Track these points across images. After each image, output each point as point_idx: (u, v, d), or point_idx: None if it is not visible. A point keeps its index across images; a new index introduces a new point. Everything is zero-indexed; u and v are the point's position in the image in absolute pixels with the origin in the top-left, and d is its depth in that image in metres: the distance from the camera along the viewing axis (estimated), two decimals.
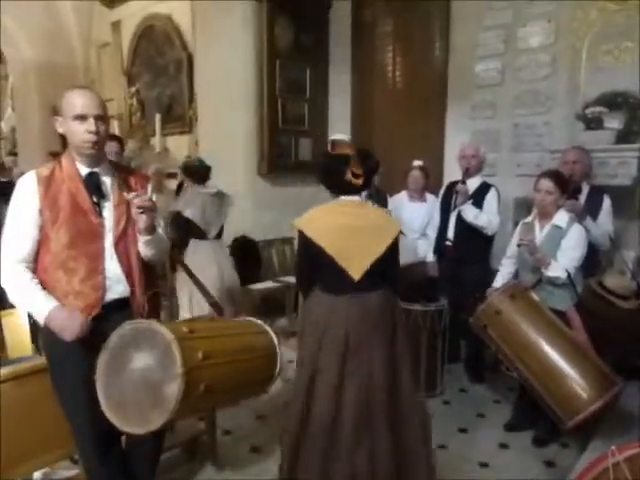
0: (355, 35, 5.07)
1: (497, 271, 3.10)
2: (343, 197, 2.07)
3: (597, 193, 3.22)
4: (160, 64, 6.96)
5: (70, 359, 1.74)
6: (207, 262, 3.43)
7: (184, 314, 3.45)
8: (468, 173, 3.53)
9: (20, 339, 2.35)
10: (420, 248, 4.03)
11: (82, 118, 1.70)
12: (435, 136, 4.60)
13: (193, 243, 3.51)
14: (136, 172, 2.06)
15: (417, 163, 4.06)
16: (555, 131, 3.96)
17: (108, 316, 1.75)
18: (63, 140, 1.83)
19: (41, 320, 1.71)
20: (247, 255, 4.54)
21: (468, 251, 3.52)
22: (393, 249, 2.04)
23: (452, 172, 4.08)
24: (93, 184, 1.78)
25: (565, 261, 2.62)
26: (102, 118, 1.73)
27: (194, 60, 5.88)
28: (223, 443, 2.77)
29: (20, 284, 1.71)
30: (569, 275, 2.60)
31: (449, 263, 3.64)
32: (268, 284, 4.59)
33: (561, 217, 2.71)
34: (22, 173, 1.85)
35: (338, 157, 2.07)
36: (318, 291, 2.05)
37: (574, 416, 2.32)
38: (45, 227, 1.72)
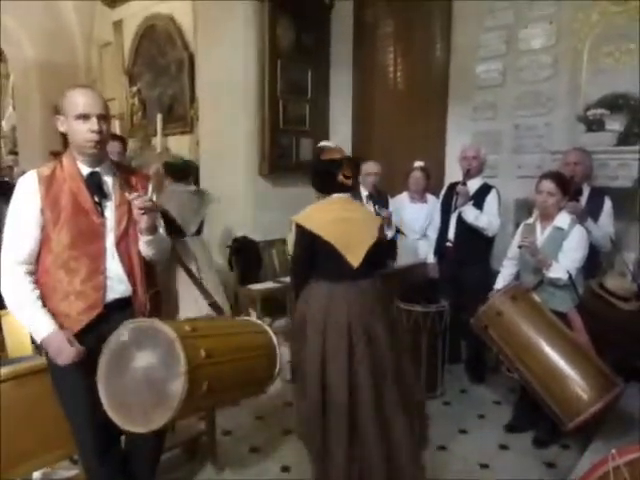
0: (356, 36, 5.08)
1: (498, 272, 3.10)
2: (334, 195, 2.28)
3: (598, 195, 3.22)
4: (161, 64, 6.96)
5: None
6: (185, 259, 3.46)
7: (184, 314, 3.45)
8: (469, 174, 3.53)
9: (20, 339, 2.35)
10: (421, 249, 4.03)
11: (85, 117, 1.69)
12: (436, 137, 4.60)
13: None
14: (137, 172, 2.05)
15: (418, 164, 4.06)
16: (556, 133, 3.96)
17: (109, 316, 1.75)
18: (64, 139, 1.83)
19: (37, 339, 1.71)
20: (247, 255, 4.54)
21: (468, 252, 3.52)
22: (378, 239, 2.28)
23: (453, 173, 4.08)
24: (94, 184, 1.77)
25: (566, 262, 2.62)
26: (104, 117, 1.73)
27: (195, 60, 5.88)
28: (223, 443, 2.77)
29: (20, 296, 1.70)
30: (570, 276, 2.60)
31: (449, 264, 3.64)
32: (268, 284, 4.59)
33: (562, 218, 2.71)
34: (23, 172, 1.85)
35: (329, 161, 2.29)
36: (316, 281, 2.21)
37: (575, 417, 2.32)
38: (46, 227, 1.72)
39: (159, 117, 6.80)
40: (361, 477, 2.11)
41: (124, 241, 1.80)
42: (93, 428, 1.79)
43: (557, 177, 2.72)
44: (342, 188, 2.28)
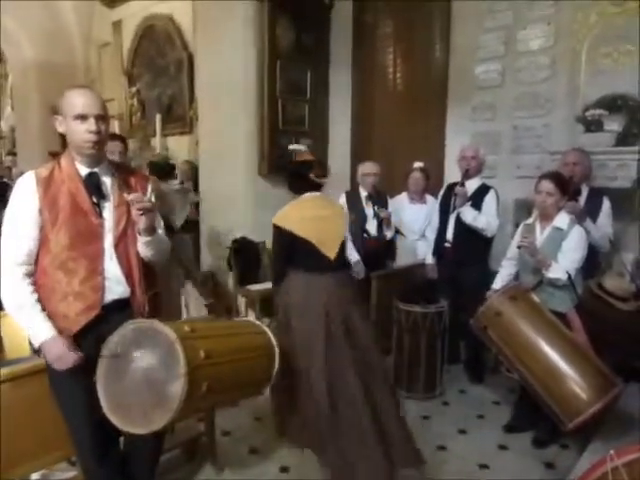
0: (356, 36, 5.08)
1: (496, 273, 3.10)
2: (307, 194, 2.51)
3: (597, 195, 3.23)
4: (161, 64, 6.96)
5: None
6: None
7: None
8: (467, 175, 3.53)
9: (18, 340, 2.34)
10: (420, 250, 4.03)
11: (83, 118, 1.69)
12: (435, 137, 4.60)
13: None
14: (136, 172, 2.05)
15: (417, 165, 4.06)
16: (555, 133, 3.96)
17: (108, 317, 1.74)
18: (63, 140, 1.82)
19: (36, 344, 1.71)
20: (247, 256, 4.53)
21: (467, 253, 3.52)
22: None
23: (452, 174, 4.08)
24: (93, 184, 1.77)
25: (566, 263, 2.62)
26: (103, 118, 1.72)
27: (195, 60, 5.88)
28: (222, 444, 2.76)
29: (19, 297, 1.70)
30: (569, 277, 2.60)
31: (448, 265, 3.64)
32: (268, 285, 4.58)
33: (562, 219, 2.71)
34: (21, 173, 1.84)
35: (302, 163, 2.60)
36: (295, 273, 2.43)
37: (574, 417, 2.32)
38: (44, 228, 1.71)
39: (158, 117, 6.79)
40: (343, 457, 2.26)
41: (122, 242, 1.80)
42: (91, 429, 1.78)
43: (556, 177, 2.73)
44: (314, 187, 2.52)
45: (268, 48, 4.59)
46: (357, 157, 4.91)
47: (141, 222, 1.75)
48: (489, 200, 3.51)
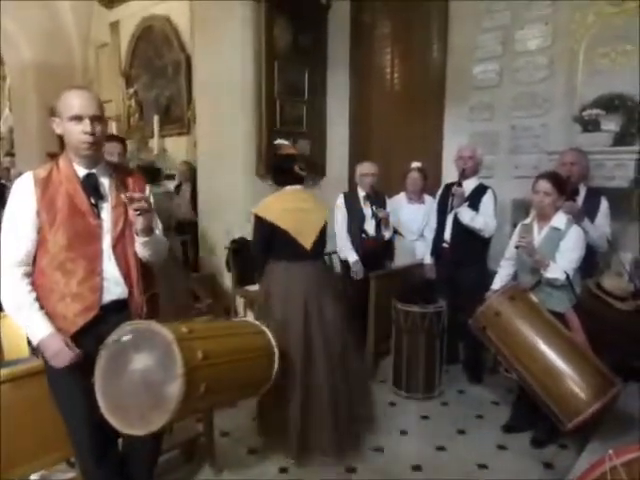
0: (353, 36, 5.08)
1: (494, 273, 3.10)
2: (288, 187, 2.66)
3: (594, 195, 3.23)
4: (158, 65, 6.96)
5: None
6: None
7: None
8: (464, 174, 3.53)
9: (16, 341, 2.34)
10: (418, 250, 4.03)
11: (78, 119, 1.68)
12: (433, 138, 4.60)
13: None
14: (134, 173, 2.05)
15: (415, 165, 4.07)
16: (552, 133, 3.97)
17: (106, 318, 1.74)
18: (61, 141, 1.82)
19: (34, 341, 1.71)
20: (245, 256, 4.53)
21: (465, 253, 3.52)
22: (324, 225, 2.70)
23: (450, 174, 4.09)
24: (91, 185, 1.77)
25: (564, 263, 2.62)
26: (99, 119, 1.72)
27: (192, 61, 5.88)
28: (221, 445, 2.76)
29: (18, 297, 1.70)
30: (568, 277, 2.60)
31: (446, 265, 3.64)
32: None
33: (559, 219, 2.71)
34: (20, 174, 1.84)
35: (286, 156, 2.71)
36: (275, 261, 2.61)
37: (573, 417, 2.32)
38: (42, 229, 1.71)
39: (156, 118, 6.80)
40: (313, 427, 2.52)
41: (120, 243, 1.80)
42: (90, 430, 1.78)
43: (553, 177, 2.73)
44: (297, 180, 2.68)
45: (265, 49, 4.59)
46: (355, 157, 4.91)
47: (138, 222, 1.75)
48: (486, 200, 3.52)
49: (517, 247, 2.74)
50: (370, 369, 3.22)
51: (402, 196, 4.14)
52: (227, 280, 4.65)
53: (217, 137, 4.84)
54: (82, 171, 1.78)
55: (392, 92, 4.94)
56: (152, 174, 3.76)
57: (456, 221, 3.54)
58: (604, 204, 3.20)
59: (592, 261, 3.17)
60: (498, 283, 2.98)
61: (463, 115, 4.43)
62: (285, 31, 4.80)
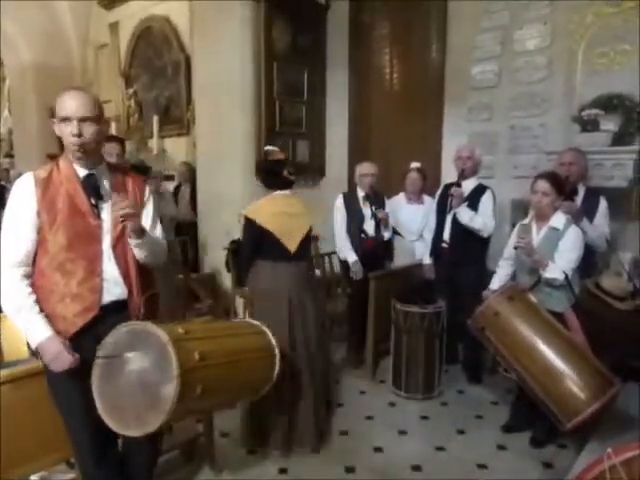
0: (352, 37, 5.09)
1: (493, 273, 3.10)
2: (278, 192, 2.81)
3: (593, 195, 3.23)
4: (158, 66, 6.96)
5: None
6: None
7: None
8: (463, 175, 3.54)
9: (16, 342, 2.34)
10: (417, 250, 4.04)
11: (67, 120, 1.68)
12: (432, 138, 4.61)
13: None
14: (134, 174, 2.05)
15: (415, 165, 4.07)
16: (551, 133, 3.97)
17: (106, 318, 1.74)
18: (61, 142, 1.82)
19: (33, 344, 1.71)
20: None
21: (464, 253, 3.52)
22: (309, 230, 2.85)
23: (449, 174, 4.09)
24: (91, 186, 1.77)
25: (562, 263, 2.63)
26: (91, 120, 1.69)
27: (192, 62, 5.88)
28: (221, 445, 2.76)
29: (18, 299, 1.70)
30: (566, 277, 2.60)
31: (445, 265, 3.64)
32: None
33: (558, 219, 2.71)
34: (19, 175, 1.84)
35: (275, 161, 2.85)
36: (262, 261, 2.76)
37: (572, 417, 2.32)
38: (42, 229, 1.71)
39: (155, 119, 6.79)
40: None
41: (120, 243, 1.80)
42: (89, 431, 1.78)
43: (552, 177, 2.73)
44: (286, 184, 2.82)
45: (265, 49, 4.59)
46: (354, 158, 4.92)
47: (127, 225, 1.74)
48: (485, 200, 3.52)
49: (516, 247, 2.74)
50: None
51: (401, 196, 4.15)
52: (227, 280, 4.65)
53: (216, 138, 4.84)
54: (82, 172, 1.78)
55: (391, 92, 4.94)
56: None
57: (455, 221, 3.54)
58: (603, 204, 3.20)
59: (591, 261, 3.18)
60: (497, 283, 2.98)
61: (462, 115, 4.44)
62: (284, 31, 4.80)
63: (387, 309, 3.48)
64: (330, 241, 4.16)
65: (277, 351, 2.07)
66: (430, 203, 3.96)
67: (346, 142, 5.26)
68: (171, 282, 3.95)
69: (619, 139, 3.52)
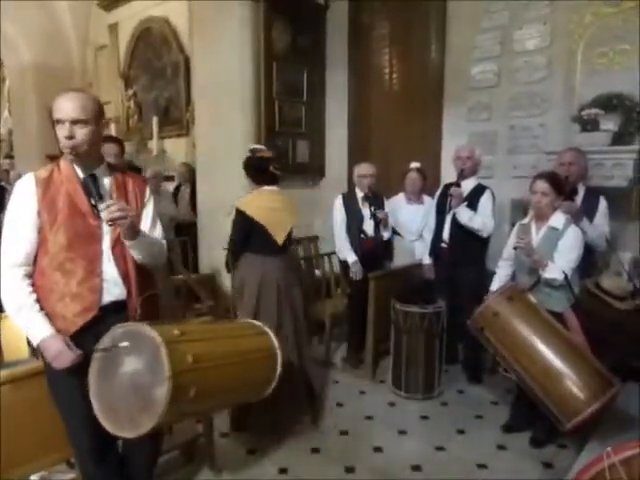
0: (352, 37, 5.08)
1: (493, 273, 3.10)
2: (266, 187, 2.97)
3: (593, 194, 3.23)
4: (157, 67, 6.97)
5: None
6: None
7: None
8: (463, 175, 3.54)
9: (16, 342, 2.34)
10: (417, 250, 4.04)
11: (60, 122, 1.68)
12: (432, 138, 4.60)
13: None
14: (134, 174, 2.04)
15: (414, 165, 4.07)
16: (551, 133, 3.97)
17: (105, 319, 1.74)
18: None
19: (34, 343, 1.71)
20: None
21: (463, 253, 3.52)
22: (293, 225, 3.05)
23: (449, 174, 4.09)
24: (91, 186, 1.77)
25: (562, 262, 2.63)
26: (83, 122, 1.68)
27: (191, 63, 5.88)
28: (220, 445, 2.76)
29: (19, 298, 1.70)
30: (566, 277, 2.60)
31: (445, 265, 3.65)
32: None
33: (557, 219, 2.71)
34: (19, 176, 1.84)
35: (262, 158, 3.00)
36: (251, 254, 2.93)
37: (572, 417, 2.32)
38: (43, 229, 1.72)
39: (155, 120, 6.80)
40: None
41: (119, 244, 1.79)
42: (89, 431, 1.78)
43: (551, 177, 2.73)
44: (273, 179, 2.99)
45: (264, 50, 4.60)
46: (354, 158, 4.91)
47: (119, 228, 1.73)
48: (485, 200, 3.52)
49: (515, 247, 2.74)
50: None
51: (401, 196, 4.15)
52: (227, 281, 4.65)
53: (216, 138, 4.84)
54: (83, 172, 1.78)
55: (391, 92, 4.94)
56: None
57: (455, 221, 3.54)
58: (603, 204, 3.20)
59: (591, 261, 3.18)
60: (496, 284, 2.98)
61: (461, 115, 4.44)
62: (283, 32, 4.81)
63: (387, 309, 3.49)
64: (330, 241, 4.17)
65: (279, 352, 2.05)
66: (430, 203, 3.96)
67: (346, 142, 5.25)
68: (169, 282, 3.95)
69: (619, 139, 3.52)
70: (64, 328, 1.72)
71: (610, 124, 3.54)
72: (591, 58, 3.74)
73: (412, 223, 4.07)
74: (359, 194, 3.80)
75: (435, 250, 3.73)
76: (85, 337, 1.72)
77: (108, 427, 1.60)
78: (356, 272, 3.69)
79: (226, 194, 4.75)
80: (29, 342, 1.77)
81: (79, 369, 1.68)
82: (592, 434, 2.64)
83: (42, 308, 1.72)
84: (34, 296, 1.72)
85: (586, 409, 2.29)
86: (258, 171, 3.00)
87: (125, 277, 1.81)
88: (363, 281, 3.65)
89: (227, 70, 4.67)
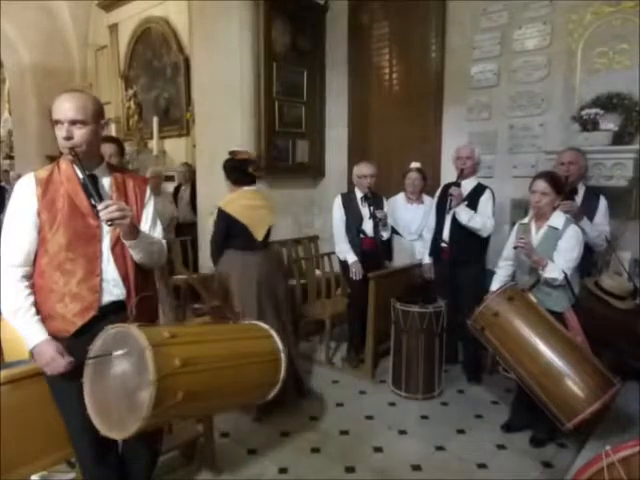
0: (352, 38, 5.09)
1: (493, 273, 3.10)
2: (245, 187, 3.13)
3: (593, 194, 3.24)
4: (157, 67, 6.98)
5: None
6: None
7: None
8: (463, 175, 3.54)
9: (17, 342, 2.34)
10: (418, 250, 4.04)
11: (58, 123, 1.68)
12: (432, 138, 4.61)
13: None
14: (134, 174, 2.04)
15: (414, 165, 4.07)
16: (551, 132, 3.97)
17: (106, 319, 1.74)
18: None
19: (28, 347, 1.72)
20: None
21: (464, 253, 3.53)
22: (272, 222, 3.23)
23: (449, 174, 4.09)
24: (91, 186, 1.77)
25: (562, 262, 2.63)
26: (81, 123, 1.68)
27: (191, 63, 5.89)
28: (221, 445, 2.76)
29: (16, 300, 1.70)
30: (566, 276, 2.60)
31: (445, 265, 3.65)
32: None
33: (557, 218, 2.71)
34: (19, 176, 1.84)
35: (241, 160, 3.16)
36: (233, 250, 3.08)
37: (572, 417, 2.32)
38: (42, 229, 1.72)
39: (155, 120, 6.81)
40: None
41: (119, 244, 1.79)
42: (89, 432, 1.77)
43: (550, 177, 2.73)
44: (252, 180, 3.15)
45: (264, 50, 4.61)
46: (354, 158, 4.91)
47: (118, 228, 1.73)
48: (485, 200, 3.52)
49: (515, 247, 2.74)
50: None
51: (401, 196, 4.15)
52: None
53: (216, 138, 4.85)
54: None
55: (390, 93, 4.94)
56: None
57: (455, 221, 3.54)
58: (603, 203, 3.21)
59: (590, 260, 3.18)
60: (497, 284, 2.98)
61: (461, 115, 4.44)
62: (283, 32, 4.81)
63: (387, 309, 3.49)
64: (330, 241, 4.17)
65: (283, 355, 1.98)
66: (430, 203, 3.96)
67: (345, 142, 5.26)
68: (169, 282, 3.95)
69: (619, 138, 3.52)
70: (64, 328, 1.72)
71: (610, 124, 3.54)
72: (591, 58, 3.74)
73: (412, 223, 4.07)
74: (358, 194, 3.80)
75: (435, 250, 3.73)
76: (85, 337, 1.71)
77: (98, 426, 1.60)
78: (355, 272, 3.69)
79: (226, 194, 4.76)
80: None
81: (78, 371, 1.68)
82: (592, 433, 2.64)
83: (39, 311, 1.72)
84: (31, 299, 1.72)
85: (586, 408, 2.29)
86: (238, 173, 3.14)
87: (125, 277, 1.80)
88: (363, 281, 3.65)
89: (227, 70, 4.67)
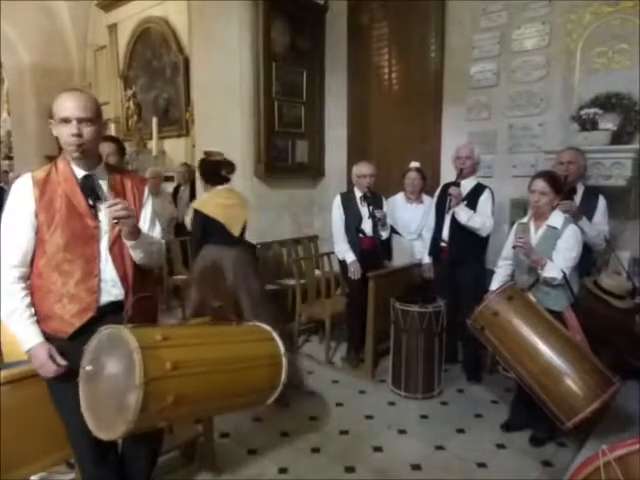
0: (351, 38, 5.09)
1: (492, 272, 3.10)
2: (219, 187, 3.32)
3: (592, 194, 3.24)
4: (157, 67, 6.98)
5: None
6: None
7: None
8: (462, 174, 3.54)
9: (16, 342, 2.34)
10: (417, 250, 4.04)
11: (66, 121, 1.68)
12: (431, 138, 4.61)
13: None
14: (133, 175, 2.04)
15: (414, 165, 4.07)
16: (550, 132, 3.98)
17: (104, 319, 1.73)
18: (59, 143, 1.82)
19: (23, 349, 1.73)
20: None
21: (463, 252, 3.53)
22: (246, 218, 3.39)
23: (448, 173, 4.09)
24: (89, 187, 1.76)
25: (561, 262, 2.63)
26: (89, 121, 1.69)
27: (190, 63, 5.89)
28: (221, 445, 2.77)
29: (12, 301, 1.71)
30: (565, 276, 2.60)
31: (444, 264, 3.65)
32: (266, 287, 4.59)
33: (556, 218, 2.72)
34: (18, 177, 1.84)
35: (215, 161, 3.34)
36: (211, 246, 3.26)
37: (572, 416, 2.32)
38: (40, 229, 1.72)
39: (155, 120, 6.81)
40: None
41: (117, 245, 1.79)
42: (89, 432, 1.77)
43: (549, 176, 2.73)
44: (225, 180, 3.34)
45: (263, 50, 4.61)
46: (353, 158, 4.92)
47: (121, 227, 1.73)
48: (484, 200, 3.52)
49: (514, 247, 2.75)
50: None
51: (400, 196, 4.15)
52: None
53: (215, 139, 4.84)
54: (80, 172, 1.77)
55: (390, 92, 4.94)
56: None
57: (454, 220, 3.54)
58: (602, 203, 3.21)
59: (590, 260, 3.18)
60: (496, 283, 2.98)
61: (461, 115, 4.44)
62: (283, 32, 4.82)
63: (386, 308, 3.49)
64: (329, 241, 4.17)
65: (284, 359, 1.94)
66: (429, 202, 3.97)
67: (345, 142, 5.26)
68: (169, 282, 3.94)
69: (618, 138, 3.52)
70: (62, 329, 1.72)
71: (609, 123, 3.54)
72: (590, 57, 3.75)
73: (412, 222, 4.07)
74: (358, 194, 3.80)
75: (435, 249, 3.73)
76: (83, 338, 1.71)
77: (90, 425, 1.60)
78: (355, 271, 3.70)
79: None
80: None
81: (75, 372, 1.68)
82: (592, 432, 2.64)
83: (37, 311, 1.73)
84: (27, 300, 1.72)
85: (586, 407, 2.30)
86: (211, 174, 3.32)
87: (123, 277, 1.80)
88: (362, 281, 3.66)
89: (226, 70, 4.67)
